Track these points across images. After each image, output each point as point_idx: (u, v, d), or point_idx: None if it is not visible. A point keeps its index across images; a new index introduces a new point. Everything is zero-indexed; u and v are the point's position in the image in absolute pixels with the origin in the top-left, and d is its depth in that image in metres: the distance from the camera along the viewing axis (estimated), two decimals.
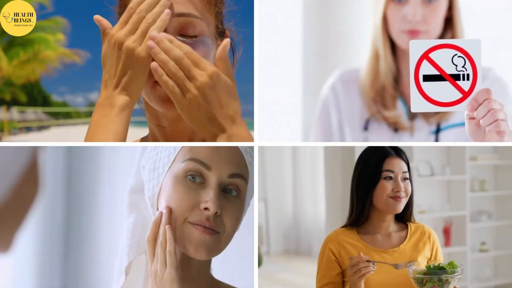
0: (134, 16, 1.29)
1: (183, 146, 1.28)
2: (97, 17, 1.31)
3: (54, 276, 1.99)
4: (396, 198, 1.57)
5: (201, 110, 1.24)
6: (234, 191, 1.27)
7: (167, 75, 1.24)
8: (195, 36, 1.30)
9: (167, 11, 1.28)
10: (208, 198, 1.24)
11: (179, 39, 1.28)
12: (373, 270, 1.48)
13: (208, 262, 1.33)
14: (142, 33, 1.27)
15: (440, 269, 1.47)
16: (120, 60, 1.28)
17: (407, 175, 1.59)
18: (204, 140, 1.39)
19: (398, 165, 1.58)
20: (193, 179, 1.26)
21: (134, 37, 1.27)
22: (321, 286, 1.59)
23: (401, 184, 1.58)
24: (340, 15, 2.98)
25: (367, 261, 1.48)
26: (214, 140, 1.26)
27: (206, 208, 1.24)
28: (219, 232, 1.25)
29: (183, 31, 1.30)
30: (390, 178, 1.57)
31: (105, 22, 1.30)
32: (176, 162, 1.27)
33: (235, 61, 1.39)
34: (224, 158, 1.27)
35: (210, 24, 1.33)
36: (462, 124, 2.00)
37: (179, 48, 1.25)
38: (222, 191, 1.26)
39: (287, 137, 2.98)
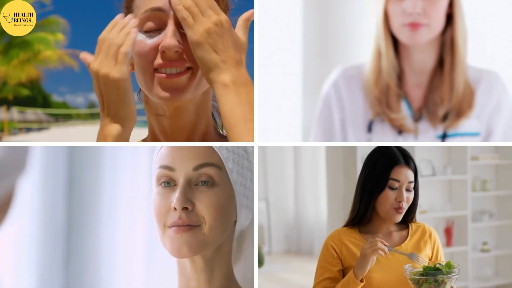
0: (103, 45, 1.29)
1: (158, 152, 1.32)
2: (82, 55, 1.33)
3: (55, 280, 1.99)
4: (398, 209, 1.57)
5: (212, 40, 1.25)
6: (206, 181, 1.29)
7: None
8: None
9: (134, 29, 1.29)
10: (174, 198, 1.27)
11: (182, 32, 1.30)
12: (384, 254, 1.48)
13: (229, 267, 1.36)
14: (113, 57, 1.28)
15: (436, 269, 1.47)
16: (101, 88, 1.29)
17: (412, 185, 1.58)
18: (199, 138, 1.39)
19: (404, 175, 1.57)
20: (167, 184, 1.30)
21: (107, 62, 1.28)
22: (321, 280, 1.58)
23: (404, 195, 1.57)
24: (340, 15, 2.98)
25: (386, 246, 1.49)
26: (214, 76, 1.26)
27: (175, 208, 1.27)
28: (199, 225, 1.27)
29: None
30: (395, 187, 1.57)
31: (88, 58, 1.32)
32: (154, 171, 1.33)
33: None
34: (185, 155, 1.29)
35: None
36: (472, 134, 1.99)
37: None
38: (194, 186, 1.29)
39: (287, 137, 2.98)
